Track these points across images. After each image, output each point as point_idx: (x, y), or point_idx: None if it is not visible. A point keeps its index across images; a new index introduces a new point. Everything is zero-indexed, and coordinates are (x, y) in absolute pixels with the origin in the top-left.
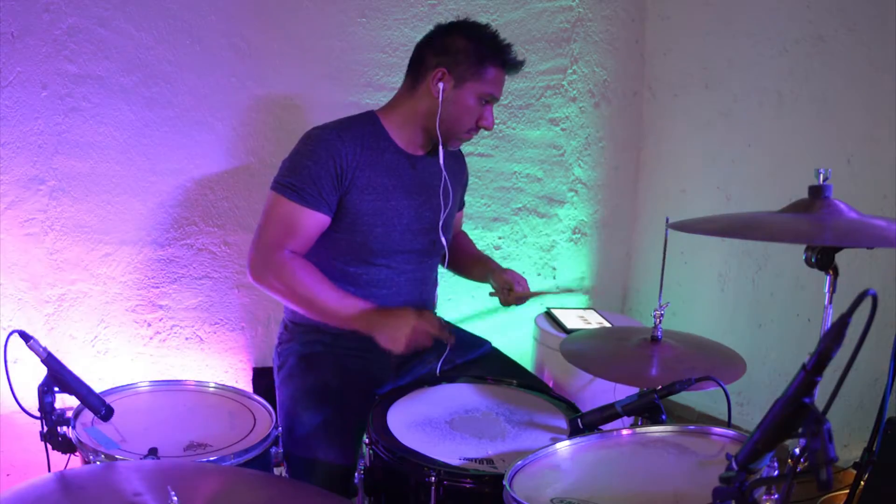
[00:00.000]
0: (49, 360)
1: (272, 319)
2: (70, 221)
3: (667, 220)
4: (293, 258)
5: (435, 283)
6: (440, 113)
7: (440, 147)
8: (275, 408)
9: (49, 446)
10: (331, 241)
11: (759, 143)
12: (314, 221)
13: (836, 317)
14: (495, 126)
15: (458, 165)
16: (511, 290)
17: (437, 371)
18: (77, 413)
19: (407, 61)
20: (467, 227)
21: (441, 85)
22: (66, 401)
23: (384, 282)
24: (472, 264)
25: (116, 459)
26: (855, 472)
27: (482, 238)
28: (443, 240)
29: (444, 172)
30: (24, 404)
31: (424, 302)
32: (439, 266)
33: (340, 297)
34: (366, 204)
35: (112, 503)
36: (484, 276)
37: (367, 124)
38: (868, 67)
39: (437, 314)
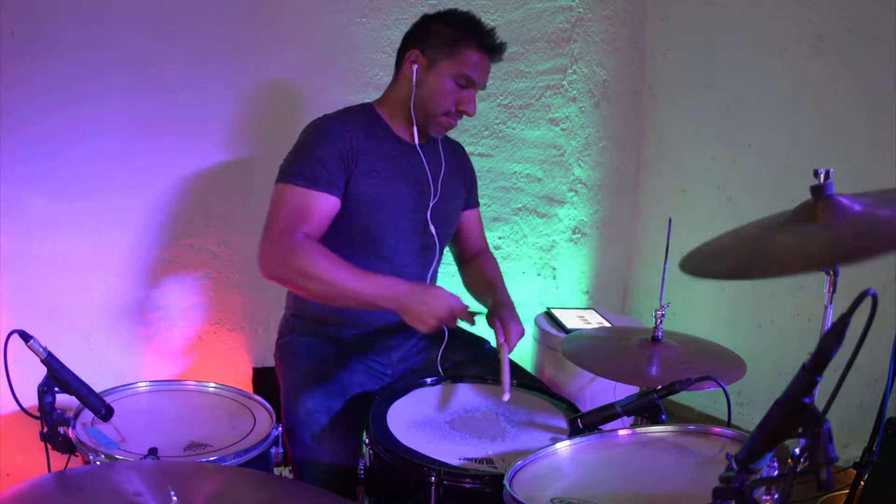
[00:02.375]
0: (49, 360)
1: (272, 319)
2: (70, 221)
3: (669, 220)
4: (307, 241)
5: (435, 278)
6: (414, 95)
7: (415, 130)
8: (275, 407)
9: (49, 446)
10: (334, 230)
11: (759, 143)
12: (326, 205)
13: (836, 317)
14: (495, 126)
15: (456, 159)
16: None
17: (440, 370)
18: (77, 413)
19: None
20: None
21: (415, 67)
22: (66, 401)
23: (384, 272)
24: (481, 289)
25: (116, 459)
26: (855, 472)
27: None
28: (431, 228)
29: (423, 159)
30: (24, 404)
31: None
32: (438, 267)
33: (361, 274)
34: (368, 189)
35: (112, 503)
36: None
37: (366, 112)
38: (868, 67)
39: None
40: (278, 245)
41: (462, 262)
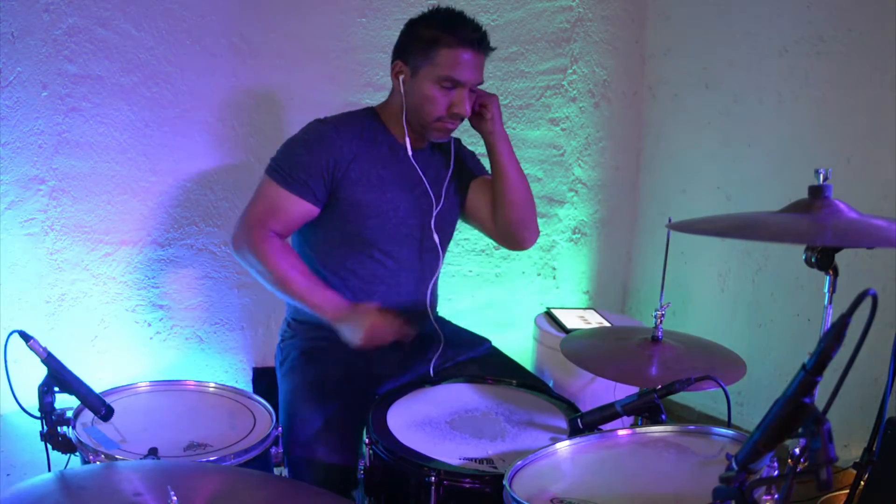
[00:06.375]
0: (49, 360)
1: (272, 319)
2: (70, 221)
3: (669, 219)
4: (274, 239)
5: (436, 282)
6: (405, 106)
7: (406, 140)
8: (275, 408)
9: (49, 446)
10: (328, 234)
11: (759, 143)
12: (298, 208)
13: (836, 317)
14: None
15: (455, 155)
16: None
17: (431, 371)
18: (77, 413)
19: None
20: (465, 229)
21: (400, 78)
22: (66, 401)
23: (382, 277)
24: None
25: (116, 459)
26: (855, 472)
27: (482, 238)
28: (435, 238)
29: (420, 167)
30: (24, 404)
31: (425, 299)
32: (440, 266)
33: (313, 284)
34: (359, 195)
35: (112, 503)
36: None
37: (366, 118)
38: (868, 67)
39: (438, 313)
40: (246, 234)
41: (496, 219)
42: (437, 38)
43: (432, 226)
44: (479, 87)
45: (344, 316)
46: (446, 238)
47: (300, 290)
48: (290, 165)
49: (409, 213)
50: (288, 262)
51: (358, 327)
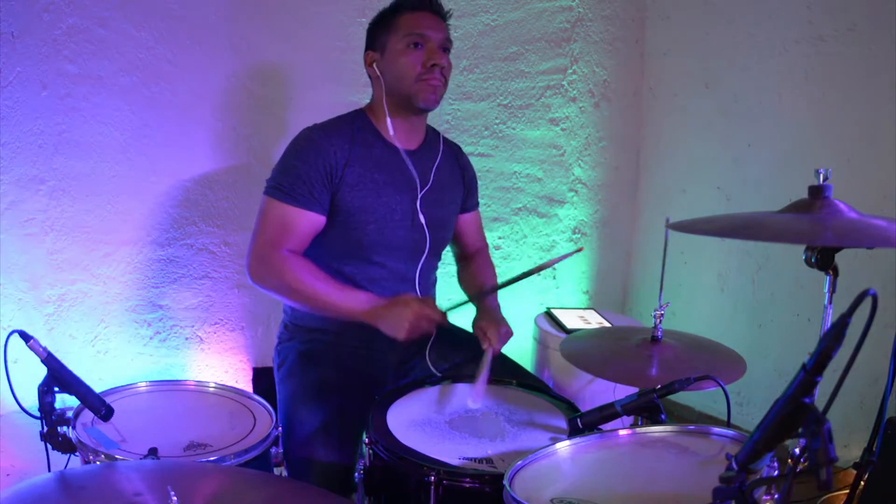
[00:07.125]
0: (49, 360)
1: (272, 319)
2: (70, 221)
3: (667, 220)
4: (291, 257)
5: (433, 282)
6: (385, 87)
7: (388, 122)
8: (275, 408)
9: (49, 446)
10: (325, 240)
11: (759, 143)
12: (307, 221)
13: (836, 317)
14: (495, 126)
15: (454, 161)
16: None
17: (431, 368)
18: (77, 413)
19: None
20: None
21: (374, 65)
22: (66, 401)
23: (380, 280)
24: (472, 293)
25: (116, 459)
26: (855, 472)
27: None
28: (421, 218)
29: (403, 152)
30: (24, 404)
31: (426, 294)
32: (432, 264)
33: (341, 290)
34: (357, 200)
35: (112, 503)
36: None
37: (355, 120)
38: (868, 67)
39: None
40: (263, 259)
41: (459, 260)
42: (392, 16)
43: (417, 207)
44: (451, 47)
45: (384, 313)
46: (437, 231)
47: (333, 302)
48: (290, 181)
49: (404, 215)
50: (312, 276)
51: (400, 320)
